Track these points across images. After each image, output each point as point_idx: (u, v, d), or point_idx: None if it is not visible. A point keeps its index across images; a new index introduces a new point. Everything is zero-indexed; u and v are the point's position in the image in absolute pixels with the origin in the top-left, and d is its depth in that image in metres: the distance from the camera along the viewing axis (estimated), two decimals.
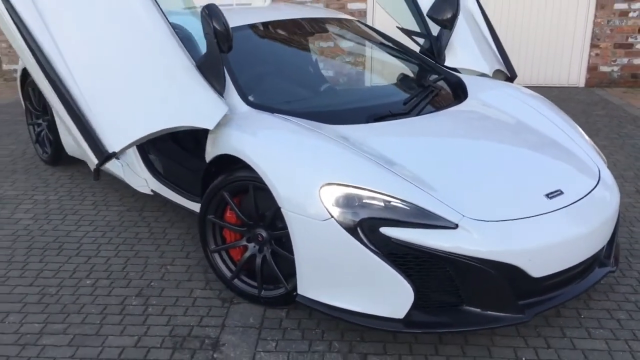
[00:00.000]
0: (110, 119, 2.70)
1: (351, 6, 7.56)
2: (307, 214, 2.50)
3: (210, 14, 2.85)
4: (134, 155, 3.70)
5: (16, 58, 8.00)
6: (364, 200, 2.46)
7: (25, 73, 4.80)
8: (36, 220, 3.83)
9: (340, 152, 2.62)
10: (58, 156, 4.68)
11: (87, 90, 2.70)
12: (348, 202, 2.46)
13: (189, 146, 3.54)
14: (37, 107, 4.77)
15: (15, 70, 8.04)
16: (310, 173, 2.54)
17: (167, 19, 2.96)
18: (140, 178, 3.75)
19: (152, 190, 3.73)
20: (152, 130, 2.74)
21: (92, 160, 2.72)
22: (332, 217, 2.45)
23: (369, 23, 7.26)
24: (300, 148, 2.66)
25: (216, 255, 2.99)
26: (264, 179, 2.61)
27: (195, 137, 3.42)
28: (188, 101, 2.85)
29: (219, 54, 2.91)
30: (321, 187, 2.48)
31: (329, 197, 2.47)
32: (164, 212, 3.95)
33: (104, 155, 2.67)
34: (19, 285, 3.08)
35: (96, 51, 2.77)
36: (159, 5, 2.95)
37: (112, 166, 3.94)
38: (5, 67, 8.08)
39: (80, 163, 4.70)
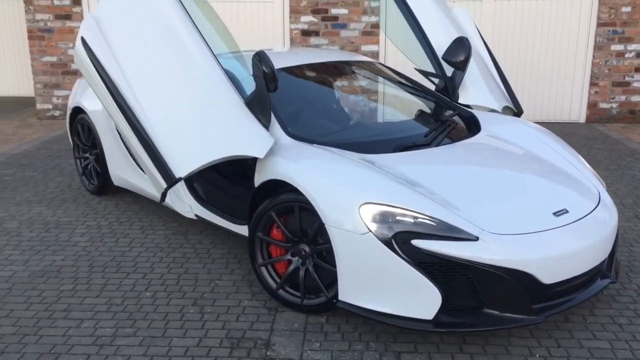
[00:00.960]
0: (177, 150, 3.16)
1: (364, 48, 8.10)
2: (348, 229, 2.91)
3: (261, 59, 3.33)
4: (179, 184, 4.12)
5: (49, 98, 8.54)
6: (397, 217, 2.87)
7: (74, 112, 5.27)
8: (92, 242, 4.24)
9: (375, 176, 3.05)
10: (104, 187, 5.11)
11: (157, 126, 3.16)
12: (383, 219, 2.87)
13: (234, 176, 3.96)
14: (85, 142, 5.23)
15: (48, 110, 8.57)
16: (350, 194, 2.97)
17: (220, 64, 3.44)
18: (185, 204, 4.18)
19: (195, 215, 4.15)
20: (212, 158, 3.19)
21: (161, 184, 3.16)
22: (370, 231, 2.86)
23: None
24: (340, 173, 3.09)
25: (263, 269, 3.39)
26: (309, 200, 3.03)
27: (239, 168, 3.85)
28: (241, 134, 3.29)
29: (267, 93, 3.37)
30: (360, 206, 2.90)
31: (367, 214, 2.88)
32: (205, 235, 4.36)
33: (172, 180, 3.11)
34: (87, 297, 3.48)
35: (164, 93, 3.24)
36: (213, 52, 3.43)
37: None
38: (39, 106, 8.58)
39: (123, 192, 5.14)
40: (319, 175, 3.10)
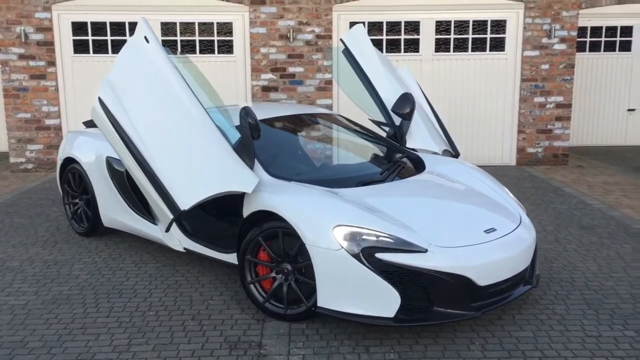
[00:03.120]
0: (181, 187, 3.84)
1: (319, 102, 8.98)
2: (324, 247, 3.63)
3: (247, 112, 4.09)
4: (161, 223, 4.75)
5: (23, 152, 9.01)
6: (363, 236, 3.61)
7: (65, 163, 5.85)
8: (92, 275, 4.79)
9: (344, 204, 3.80)
10: (94, 228, 5.66)
11: (163, 168, 3.84)
12: (352, 237, 3.60)
13: (220, 213, 4.62)
14: (76, 189, 5.80)
15: (21, 163, 9.02)
16: (325, 219, 3.70)
17: (211, 116, 4.16)
18: (175, 239, 4.80)
19: (184, 248, 4.77)
20: (210, 193, 3.87)
21: (168, 215, 3.82)
22: (342, 247, 3.59)
23: None
24: (316, 203, 3.83)
25: (252, 286, 4.04)
26: (292, 225, 3.74)
27: (224, 206, 4.52)
28: (232, 173, 4.00)
29: (252, 141, 4.11)
30: (334, 228, 3.63)
31: (339, 234, 3.61)
32: (192, 265, 4.98)
33: (178, 212, 3.78)
34: (98, 317, 4.03)
35: (168, 141, 3.95)
36: (204, 107, 4.16)
37: (151, 230, 5.00)
38: (12, 160, 9.02)
39: (110, 233, 5.71)
40: (299, 205, 3.83)
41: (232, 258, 4.38)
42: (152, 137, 3.91)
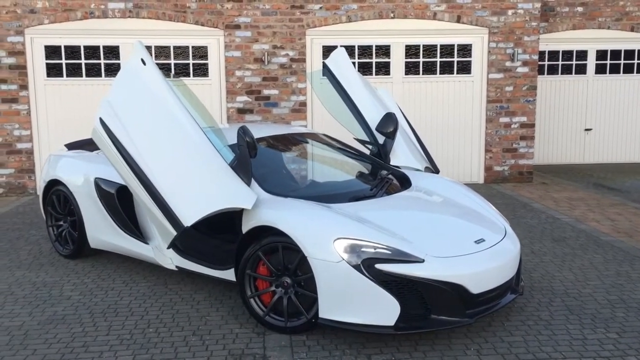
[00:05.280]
0: (183, 205, 3.92)
1: (294, 124, 9.15)
2: (325, 259, 3.76)
3: (244, 131, 4.22)
4: (161, 240, 4.81)
5: None
6: (362, 248, 3.76)
7: (48, 185, 5.83)
8: (84, 295, 4.79)
9: (342, 218, 3.95)
10: (80, 250, 5.64)
11: (165, 186, 3.93)
12: (352, 249, 3.75)
13: (214, 231, 4.70)
14: (61, 211, 5.77)
15: None
16: (325, 232, 3.83)
17: (207, 135, 4.28)
18: (167, 257, 4.85)
19: (176, 267, 4.83)
20: (211, 210, 3.97)
21: (172, 232, 3.90)
22: (343, 259, 3.73)
23: None
24: (315, 217, 3.97)
25: (252, 300, 4.13)
26: (294, 239, 3.86)
27: (218, 225, 4.61)
28: (231, 191, 4.11)
29: (249, 158, 4.24)
30: (334, 241, 3.77)
31: (340, 247, 3.76)
32: (185, 283, 5.02)
33: (182, 228, 3.86)
34: (98, 335, 4.05)
35: (168, 160, 4.03)
36: (200, 127, 4.27)
37: (142, 249, 5.04)
38: None
39: (96, 255, 5.70)
40: (299, 219, 3.96)
41: (227, 274, 4.46)
42: (153, 156, 4.00)
